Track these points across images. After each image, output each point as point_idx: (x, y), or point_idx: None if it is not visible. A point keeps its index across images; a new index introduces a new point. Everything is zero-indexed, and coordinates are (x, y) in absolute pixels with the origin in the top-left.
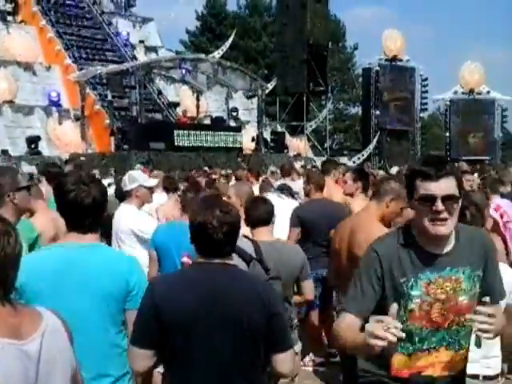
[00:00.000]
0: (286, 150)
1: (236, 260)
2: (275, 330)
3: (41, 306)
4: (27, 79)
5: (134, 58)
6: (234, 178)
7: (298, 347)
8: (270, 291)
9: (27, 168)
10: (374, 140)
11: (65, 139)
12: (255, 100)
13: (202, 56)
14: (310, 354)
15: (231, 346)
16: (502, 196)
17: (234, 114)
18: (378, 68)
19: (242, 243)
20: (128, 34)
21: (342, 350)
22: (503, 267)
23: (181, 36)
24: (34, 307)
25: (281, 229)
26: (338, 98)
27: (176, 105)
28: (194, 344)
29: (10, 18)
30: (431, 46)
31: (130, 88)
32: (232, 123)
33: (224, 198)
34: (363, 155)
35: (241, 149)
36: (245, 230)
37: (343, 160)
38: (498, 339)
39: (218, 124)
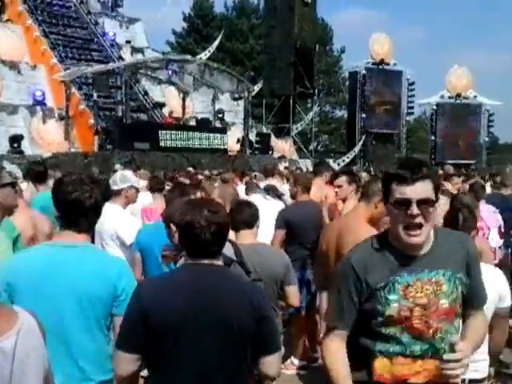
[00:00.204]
0: (270, 152)
1: None
2: (264, 332)
3: (27, 307)
4: (12, 78)
5: (121, 58)
6: (219, 179)
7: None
8: (260, 293)
9: (9, 167)
10: (360, 143)
11: (48, 138)
12: (241, 102)
13: (189, 57)
14: (291, 357)
15: (219, 348)
16: (503, 198)
17: (220, 115)
18: (364, 71)
19: None
20: (114, 34)
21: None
22: (491, 270)
23: (167, 37)
24: (10, 306)
25: (266, 230)
26: (325, 100)
27: (162, 105)
28: (182, 347)
29: None
30: (419, 50)
31: (115, 88)
32: (218, 124)
33: None
34: (348, 158)
35: (226, 150)
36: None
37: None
38: (485, 343)
39: (203, 125)
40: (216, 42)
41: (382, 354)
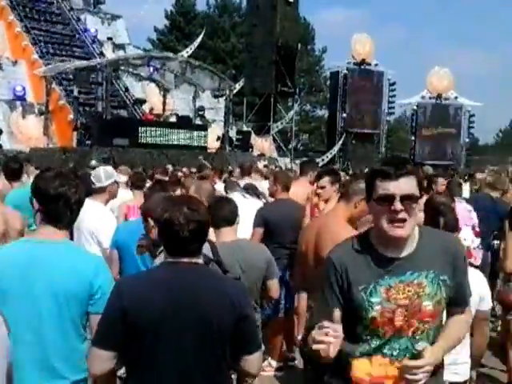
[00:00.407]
0: (250, 150)
1: None
2: (245, 331)
3: (3, 303)
4: None
5: (102, 54)
6: (196, 176)
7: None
8: (241, 292)
9: None
10: (339, 142)
11: (27, 133)
12: (222, 99)
13: (171, 55)
14: (269, 359)
15: (199, 346)
16: (492, 201)
17: (201, 112)
18: (346, 71)
19: None
20: (96, 30)
21: (307, 359)
22: (471, 271)
23: (149, 34)
24: None
25: (244, 229)
26: (306, 99)
27: (142, 102)
28: (162, 345)
29: None
30: (401, 50)
31: (96, 84)
32: (198, 122)
33: None
34: (327, 157)
35: (205, 147)
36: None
37: None
38: (467, 345)
39: (183, 122)
40: (198, 40)
41: (362, 355)
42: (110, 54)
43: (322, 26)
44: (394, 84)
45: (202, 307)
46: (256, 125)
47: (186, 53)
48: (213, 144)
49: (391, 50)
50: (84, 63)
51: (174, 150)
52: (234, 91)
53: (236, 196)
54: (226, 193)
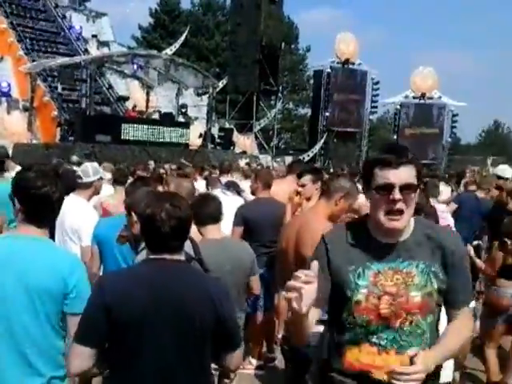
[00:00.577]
0: (232, 147)
1: None
2: (226, 330)
3: None
4: None
5: (87, 51)
6: (177, 174)
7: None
8: (222, 291)
9: None
10: (321, 141)
11: (11, 129)
12: (205, 97)
13: (155, 52)
14: (249, 357)
15: (181, 343)
16: (477, 200)
17: (184, 110)
18: (329, 70)
19: None
20: (81, 27)
21: (288, 358)
22: None
23: (134, 32)
24: None
25: (224, 226)
26: (289, 98)
27: (126, 99)
28: (144, 341)
29: None
30: (386, 50)
31: (80, 81)
32: (181, 119)
33: None
34: (309, 155)
35: (187, 144)
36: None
37: (288, 159)
38: None
39: (166, 119)
40: (182, 38)
41: (351, 343)
42: (94, 52)
43: (306, 25)
44: (377, 83)
45: (184, 304)
46: (238, 122)
47: (169, 50)
48: (195, 141)
49: (376, 50)
50: (68, 60)
51: (156, 147)
52: (218, 89)
53: (217, 193)
54: (208, 190)
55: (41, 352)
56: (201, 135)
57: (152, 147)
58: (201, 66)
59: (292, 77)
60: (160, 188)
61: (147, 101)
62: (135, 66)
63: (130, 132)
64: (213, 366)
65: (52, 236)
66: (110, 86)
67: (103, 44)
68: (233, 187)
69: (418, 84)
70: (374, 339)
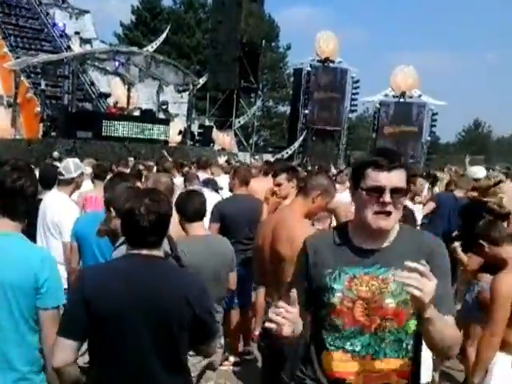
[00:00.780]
0: (211, 144)
1: None
2: (202, 324)
3: None
4: None
5: (69, 48)
6: (155, 169)
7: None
8: (199, 286)
9: None
10: (300, 138)
11: None
12: (186, 94)
13: (136, 49)
14: (226, 354)
15: (158, 337)
16: (456, 200)
17: (164, 107)
18: (309, 68)
19: None
20: (64, 25)
21: (264, 355)
22: None
23: (116, 29)
24: None
25: None
26: (268, 96)
27: (107, 96)
28: (122, 335)
29: None
30: (365, 48)
31: (63, 78)
32: (161, 116)
33: None
34: (287, 153)
35: (166, 141)
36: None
37: (267, 157)
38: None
39: (147, 116)
40: (163, 35)
41: (326, 349)
42: (77, 49)
43: (286, 23)
44: (357, 82)
45: (161, 299)
46: (218, 120)
47: (151, 48)
48: (175, 138)
49: (356, 49)
50: (52, 57)
51: (136, 143)
52: (198, 86)
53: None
54: (185, 186)
55: (15, 347)
56: (180, 132)
57: (132, 143)
58: (182, 63)
59: (272, 75)
60: (139, 184)
61: (128, 97)
62: (117, 63)
63: (110, 128)
64: (199, 358)
65: (32, 231)
66: (92, 83)
67: (86, 41)
68: (211, 185)
69: (399, 82)
70: (348, 346)
